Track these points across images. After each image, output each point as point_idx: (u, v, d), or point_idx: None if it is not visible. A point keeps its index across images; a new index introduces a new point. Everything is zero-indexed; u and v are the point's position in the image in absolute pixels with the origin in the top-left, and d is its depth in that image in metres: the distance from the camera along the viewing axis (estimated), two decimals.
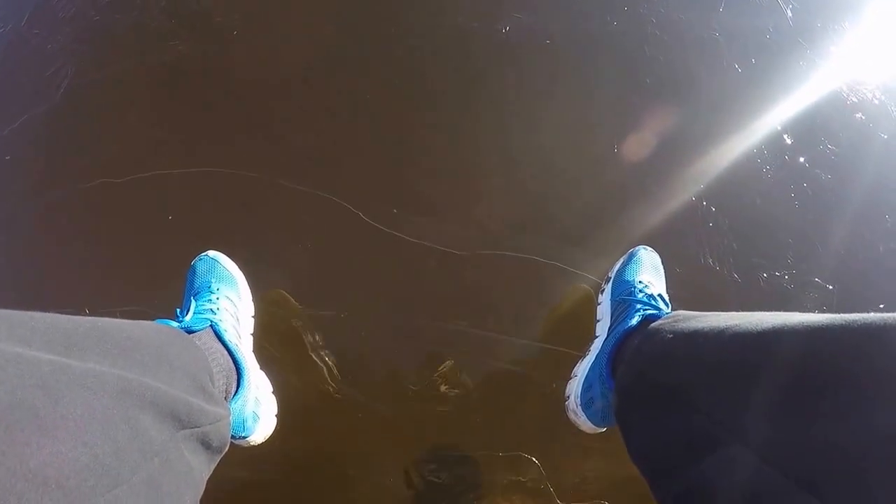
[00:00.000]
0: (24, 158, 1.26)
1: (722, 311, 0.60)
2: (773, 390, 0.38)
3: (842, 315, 0.37)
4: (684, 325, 0.58)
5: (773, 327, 0.42)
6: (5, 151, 1.30)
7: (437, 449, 1.01)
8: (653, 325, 0.68)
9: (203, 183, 1.13)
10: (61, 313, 0.43)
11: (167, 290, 0.94)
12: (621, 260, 0.92)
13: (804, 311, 0.82)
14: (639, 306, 0.79)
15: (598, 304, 0.91)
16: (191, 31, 1.32)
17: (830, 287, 1.21)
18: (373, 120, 1.18)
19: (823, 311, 0.92)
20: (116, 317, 0.55)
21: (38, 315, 0.40)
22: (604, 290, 0.91)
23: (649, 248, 0.93)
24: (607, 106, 1.25)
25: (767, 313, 0.47)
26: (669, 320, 0.66)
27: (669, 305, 0.81)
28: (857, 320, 0.35)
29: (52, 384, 0.33)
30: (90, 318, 0.46)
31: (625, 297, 0.83)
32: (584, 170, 1.18)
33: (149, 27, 1.37)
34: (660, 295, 0.82)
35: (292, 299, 1.03)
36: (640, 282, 0.85)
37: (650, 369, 0.60)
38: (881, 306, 1.24)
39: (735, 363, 0.44)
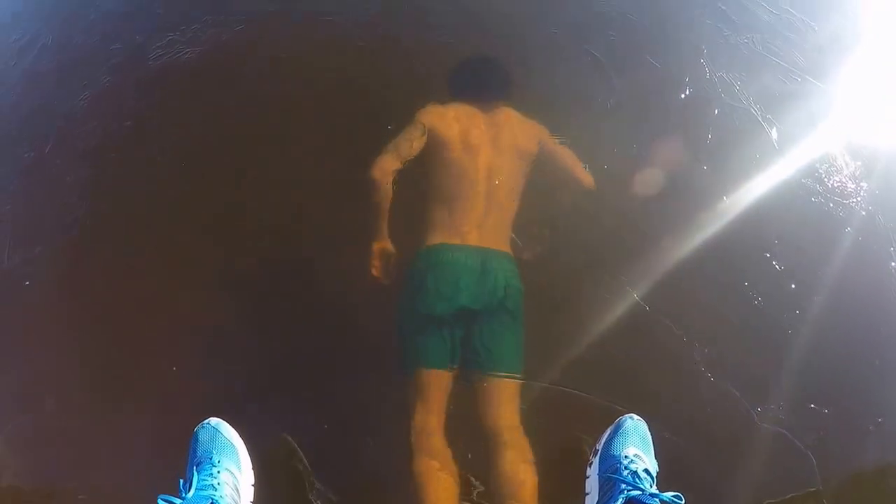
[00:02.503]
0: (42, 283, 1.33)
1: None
2: None
3: None
4: None
5: None
6: (24, 277, 1.38)
7: None
8: None
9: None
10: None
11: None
12: (608, 430, 0.94)
13: None
14: (623, 486, 0.81)
15: (587, 478, 0.93)
16: None
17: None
18: None
19: None
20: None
21: None
22: (591, 462, 0.93)
23: (636, 417, 0.95)
24: None
25: None
26: None
27: (655, 480, 0.83)
28: None
29: None
30: None
31: (610, 474, 0.85)
32: None
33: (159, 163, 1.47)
34: (646, 470, 0.84)
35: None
36: (625, 456, 0.87)
37: None
38: None
39: None
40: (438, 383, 1.23)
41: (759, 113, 1.59)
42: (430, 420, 1.18)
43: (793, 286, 1.34)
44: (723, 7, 1.83)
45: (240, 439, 0.98)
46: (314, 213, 1.43)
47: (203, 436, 0.94)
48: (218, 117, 1.62)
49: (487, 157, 1.36)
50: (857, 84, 1.78)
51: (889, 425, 1.30)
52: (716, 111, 1.56)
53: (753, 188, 1.44)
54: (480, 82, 1.54)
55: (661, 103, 1.54)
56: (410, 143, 1.35)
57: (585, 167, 1.43)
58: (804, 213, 1.48)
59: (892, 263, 1.50)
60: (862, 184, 1.59)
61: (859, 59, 1.85)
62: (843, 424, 1.28)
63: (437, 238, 1.31)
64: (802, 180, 1.52)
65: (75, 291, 1.35)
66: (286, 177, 1.50)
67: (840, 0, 2.01)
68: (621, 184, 1.40)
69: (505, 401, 1.21)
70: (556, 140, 1.45)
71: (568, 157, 1.44)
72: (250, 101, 1.63)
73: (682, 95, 1.56)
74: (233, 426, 0.98)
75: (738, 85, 1.63)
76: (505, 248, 1.34)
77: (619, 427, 0.94)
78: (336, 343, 1.28)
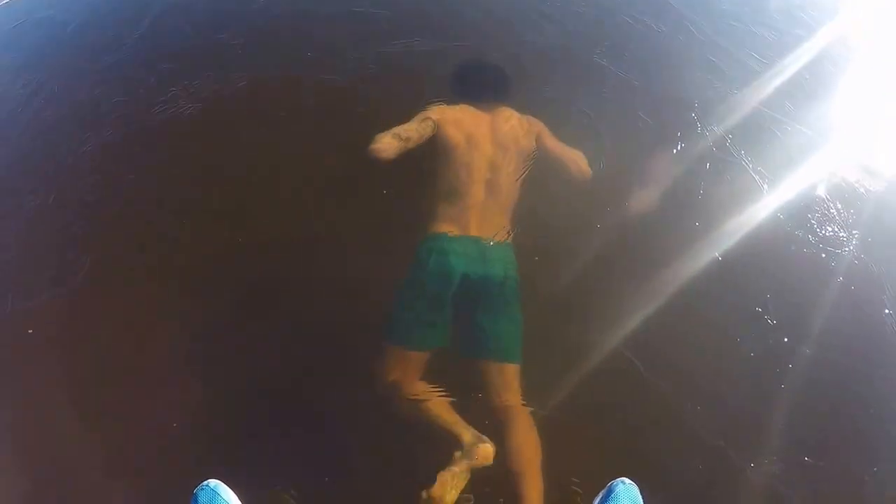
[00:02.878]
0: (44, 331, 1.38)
1: None
2: None
3: None
4: None
5: None
6: (27, 325, 1.42)
7: None
8: None
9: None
10: None
11: None
12: (600, 495, 0.99)
13: None
14: None
15: None
16: None
17: None
18: None
19: None
20: None
21: None
22: None
23: (627, 481, 1.00)
24: None
25: None
26: None
27: None
28: None
29: None
30: None
31: None
32: None
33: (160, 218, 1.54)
34: None
35: None
36: None
37: None
38: None
39: None
40: (416, 362, 1.29)
41: (750, 165, 1.64)
42: (404, 385, 1.25)
43: (786, 340, 1.37)
44: (713, 59, 1.90)
45: (238, 501, 1.02)
46: (316, 263, 1.48)
47: (203, 498, 0.98)
48: (219, 172, 1.69)
49: (489, 153, 1.45)
50: (848, 131, 1.83)
51: (884, 474, 1.32)
52: (707, 165, 1.62)
53: (746, 243, 1.49)
54: (483, 87, 1.67)
55: (652, 161, 1.60)
56: (414, 128, 1.45)
57: (581, 157, 1.52)
58: (797, 265, 1.52)
59: (886, 310, 1.53)
60: (854, 231, 1.63)
61: (850, 106, 1.90)
62: (838, 475, 1.30)
63: (439, 228, 1.38)
64: (796, 232, 1.57)
65: (76, 341, 1.39)
66: (285, 229, 1.56)
67: (829, 47, 2.06)
68: (612, 252, 1.45)
69: (507, 385, 1.27)
70: (552, 134, 1.56)
71: (564, 150, 1.53)
72: (250, 155, 1.70)
73: (674, 151, 1.62)
74: (232, 483, 1.03)
75: (730, 138, 1.69)
76: (505, 239, 1.41)
77: (610, 492, 0.98)
78: (336, 395, 1.30)
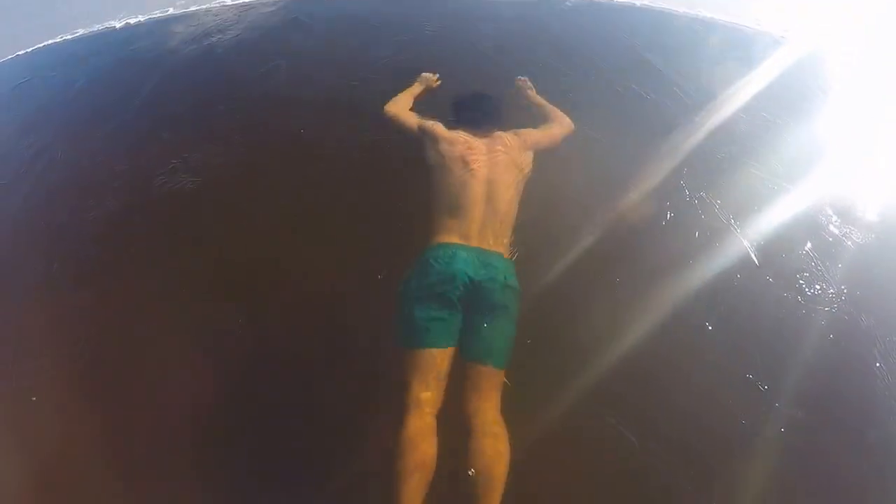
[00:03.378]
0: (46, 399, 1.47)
1: None
2: None
3: None
4: None
5: None
6: (30, 392, 1.48)
7: None
8: None
9: None
10: None
11: None
12: None
13: None
14: None
15: None
16: None
17: None
18: None
19: None
20: None
21: None
22: None
23: None
24: None
25: None
26: None
27: None
28: None
29: None
30: None
31: None
32: None
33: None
34: None
35: None
36: None
37: None
38: None
39: None
40: (434, 361, 1.32)
41: (738, 229, 1.73)
42: (425, 395, 1.27)
43: (777, 405, 1.45)
44: (696, 119, 1.99)
45: None
46: (318, 341, 1.55)
47: None
48: (217, 246, 1.78)
49: (486, 171, 1.59)
50: (835, 187, 1.91)
51: None
52: (696, 234, 1.71)
53: (736, 310, 1.57)
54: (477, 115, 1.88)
55: (642, 233, 1.69)
56: (417, 117, 1.81)
57: (560, 118, 1.86)
58: (787, 327, 1.58)
59: (877, 364, 1.59)
60: (843, 287, 1.70)
61: (837, 162, 1.97)
62: None
63: (444, 238, 1.48)
64: (784, 294, 1.64)
65: (78, 409, 1.44)
66: (285, 307, 1.63)
67: (817, 102, 2.14)
68: (604, 328, 1.54)
69: (489, 390, 1.30)
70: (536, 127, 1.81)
71: (544, 129, 1.83)
72: (250, 230, 1.81)
73: (663, 223, 1.71)
74: None
75: (718, 203, 1.77)
76: (504, 251, 1.52)
77: None
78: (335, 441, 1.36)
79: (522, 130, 1.78)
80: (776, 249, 1.72)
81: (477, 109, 1.91)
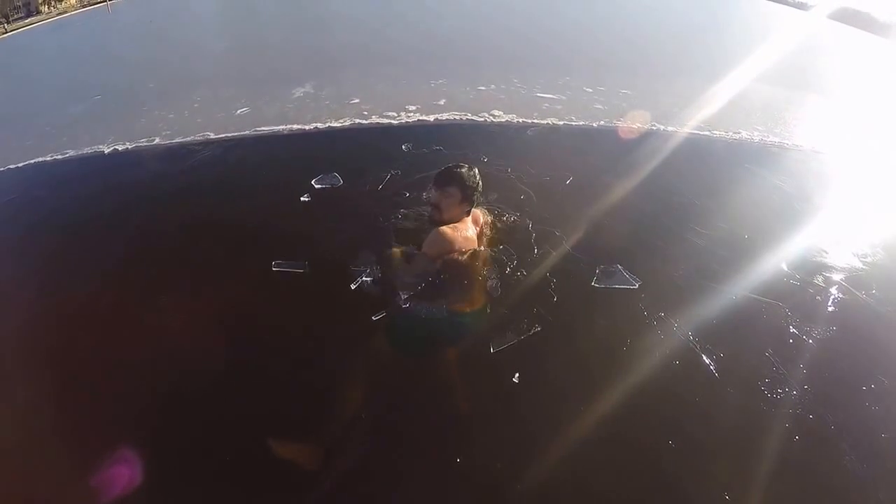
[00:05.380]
0: None
1: None
2: None
3: None
4: None
5: None
6: None
7: None
8: None
9: None
10: None
11: None
12: None
13: None
14: None
15: None
16: None
17: None
18: None
19: None
20: None
21: None
22: None
23: None
24: None
25: None
26: None
27: None
28: None
29: None
30: None
31: None
32: None
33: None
34: None
35: None
36: None
37: None
38: None
39: None
40: None
41: (698, 345, 1.96)
42: None
43: None
44: (660, 244, 2.28)
45: None
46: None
47: None
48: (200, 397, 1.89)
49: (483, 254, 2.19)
50: (793, 292, 2.09)
51: None
52: (662, 355, 1.97)
53: (701, 425, 1.78)
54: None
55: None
56: (421, 265, 2.20)
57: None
58: (753, 439, 1.69)
59: (847, 458, 1.71)
60: (805, 387, 1.85)
61: (795, 269, 2.13)
62: None
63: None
64: (749, 404, 1.78)
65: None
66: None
67: (769, 209, 2.32)
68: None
69: None
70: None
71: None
72: (229, 377, 1.93)
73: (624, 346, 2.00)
74: None
75: (677, 322, 2.03)
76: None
77: None
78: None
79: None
80: (736, 366, 1.88)
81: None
